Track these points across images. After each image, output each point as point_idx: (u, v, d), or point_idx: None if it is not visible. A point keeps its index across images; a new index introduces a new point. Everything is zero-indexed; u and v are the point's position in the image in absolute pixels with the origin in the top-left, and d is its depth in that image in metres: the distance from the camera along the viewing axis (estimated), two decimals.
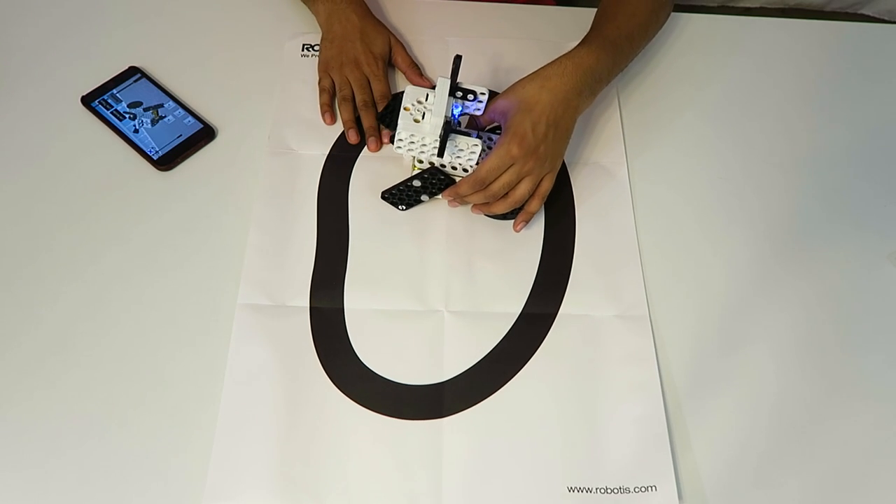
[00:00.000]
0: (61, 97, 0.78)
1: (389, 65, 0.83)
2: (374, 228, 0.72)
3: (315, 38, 0.84)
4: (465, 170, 0.72)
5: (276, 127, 0.78)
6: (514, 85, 0.69)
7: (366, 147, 0.77)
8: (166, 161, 0.74)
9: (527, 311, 0.68)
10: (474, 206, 0.71)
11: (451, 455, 0.61)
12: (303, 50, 0.84)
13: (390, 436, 0.61)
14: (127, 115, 0.77)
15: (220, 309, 0.66)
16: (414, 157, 0.74)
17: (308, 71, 0.82)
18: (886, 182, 0.79)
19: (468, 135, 0.70)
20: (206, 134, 0.76)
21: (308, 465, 0.59)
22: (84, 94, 0.78)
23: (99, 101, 0.77)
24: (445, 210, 0.73)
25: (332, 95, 0.80)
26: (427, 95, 0.69)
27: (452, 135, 0.70)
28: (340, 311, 0.67)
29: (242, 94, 0.80)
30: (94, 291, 0.67)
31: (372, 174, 0.75)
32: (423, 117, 0.68)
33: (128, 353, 0.64)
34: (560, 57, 0.70)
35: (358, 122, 0.78)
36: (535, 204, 0.71)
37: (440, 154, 0.68)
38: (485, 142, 0.71)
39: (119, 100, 0.78)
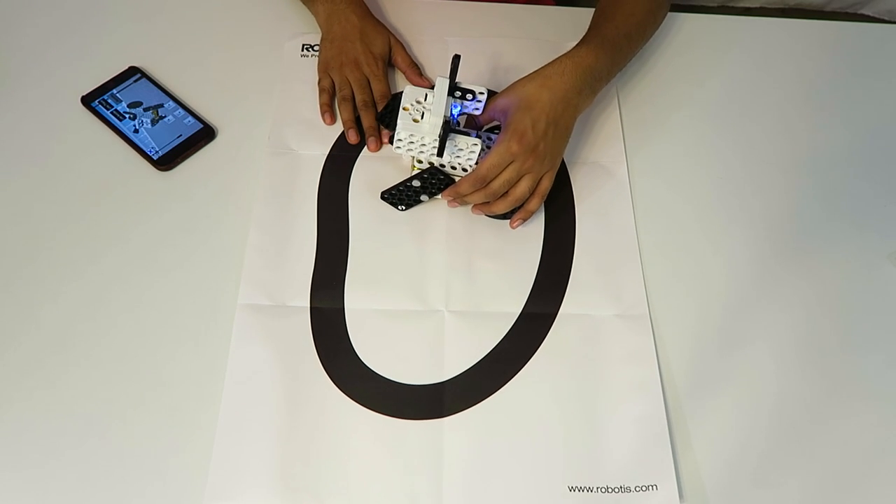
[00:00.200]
0: (61, 97, 0.78)
1: (389, 65, 0.83)
2: (374, 228, 0.72)
3: (315, 38, 0.84)
4: (465, 169, 0.72)
5: (276, 127, 0.78)
6: (513, 84, 0.70)
7: (366, 147, 0.77)
8: (166, 161, 0.74)
9: (527, 311, 0.68)
10: (474, 207, 0.71)
11: (452, 455, 0.61)
12: (303, 50, 0.84)
13: (391, 436, 0.61)
14: (127, 115, 0.77)
15: (220, 309, 0.66)
16: (413, 157, 0.74)
17: (308, 71, 0.82)
18: (886, 182, 0.79)
19: (467, 134, 0.70)
20: (206, 134, 0.76)
21: (308, 465, 0.59)
22: (84, 94, 0.78)
23: (99, 101, 0.77)
24: (445, 210, 0.73)
25: (332, 95, 0.80)
26: (426, 95, 0.69)
27: (452, 134, 0.70)
28: (341, 311, 0.67)
29: (242, 94, 0.80)
30: (93, 291, 0.67)
31: (372, 174, 0.75)
32: (422, 117, 0.68)
33: (128, 353, 0.64)
34: (559, 57, 0.71)
35: (358, 122, 0.78)
36: (535, 202, 0.71)
37: (439, 154, 0.68)
38: (484, 141, 0.71)
39: (119, 100, 0.78)
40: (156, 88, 0.79)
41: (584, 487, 0.60)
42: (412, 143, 0.69)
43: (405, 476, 0.60)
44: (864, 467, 0.63)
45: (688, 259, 0.72)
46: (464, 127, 0.74)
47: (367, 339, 0.66)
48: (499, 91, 0.71)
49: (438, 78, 0.66)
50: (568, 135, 0.71)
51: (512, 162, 0.66)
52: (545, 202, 0.72)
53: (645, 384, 0.64)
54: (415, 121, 0.68)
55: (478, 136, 0.70)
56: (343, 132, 0.78)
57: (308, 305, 0.67)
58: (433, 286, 0.69)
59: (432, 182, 0.73)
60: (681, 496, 0.60)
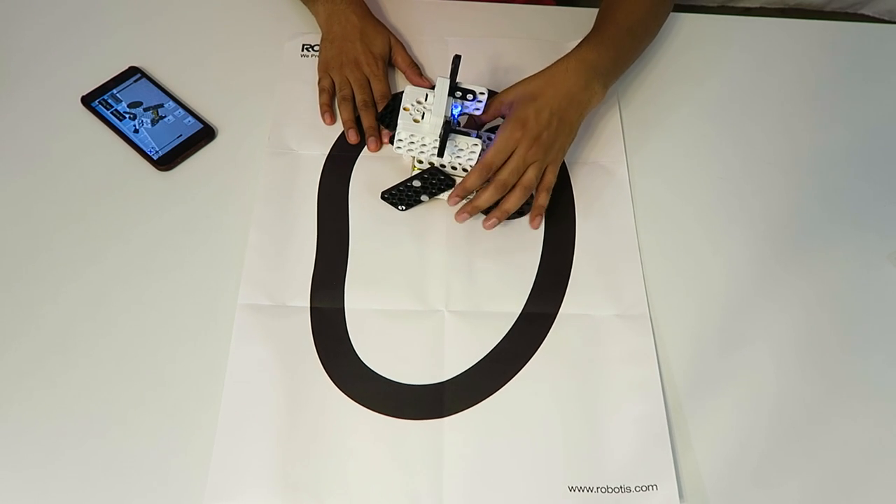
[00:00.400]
0: (61, 97, 0.78)
1: (389, 65, 0.83)
2: (374, 228, 0.72)
3: (315, 38, 0.84)
4: (465, 169, 0.72)
5: (276, 127, 0.78)
6: (519, 81, 0.71)
7: (366, 147, 0.77)
8: (166, 161, 0.74)
9: (527, 311, 0.68)
10: (485, 219, 0.70)
11: (452, 455, 0.61)
12: (303, 50, 0.84)
13: (391, 435, 0.61)
14: (127, 115, 0.77)
15: (220, 309, 0.66)
16: (414, 157, 0.74)
17: (308, 71, 0.82)
18: (886, 182, 0.79)
19: (468, 134, 0.70)
20: (206, 134, 0.76)
21: (308, 465, 0.59)
22: (84, 94, 0.78)
23: (99, 101, 0.77)
24: (445, 210, 0.73)
25: (332, 95, 0.80)
26: (426, 95, 0.70)
27: (452, 134, 0.70)
28: (341, 311, 0.67)
29: (242, 94, 0.80)
30: (94, 291, 0.67)
31: (372, 174, 0.75)
32: (422, 117, 0.69)
33: (128, 353, 0.64)
34: (563, 56, 0.72)
35: (358, 122, 0.78)
36: (544, 197, 0.71)
37: (440, 154, 0.68)
38: (484, 141, 0.71)
39: (119, 100, 0.78)
40: (156, 88, 0.79)
41: (584, 487, 0.60)
42: (412, 143, 0.69)
43: (405, 476, 0.60)
44: (864, 467, 0.63)
45: (688, 259, 0.72)
46: (464, 127, 0.74)
47: (367, 339, 0.66)
48: (499, 91, 0.72)
49: (439, 78, 0.66)
50: (573, 131, 0.71)
51: (516, 149, 0.67)
52: None
53: (645, 384, 0.64)
54: (415, 121, 0.68)
55: (478, 136, 0.70)
56: (343, 132, 0.78)
57: (308, 305, 0.67)
58: (433, 286, 0.69)
59: (433, 182, 0.73)
60: (681, 496, 0.60)
